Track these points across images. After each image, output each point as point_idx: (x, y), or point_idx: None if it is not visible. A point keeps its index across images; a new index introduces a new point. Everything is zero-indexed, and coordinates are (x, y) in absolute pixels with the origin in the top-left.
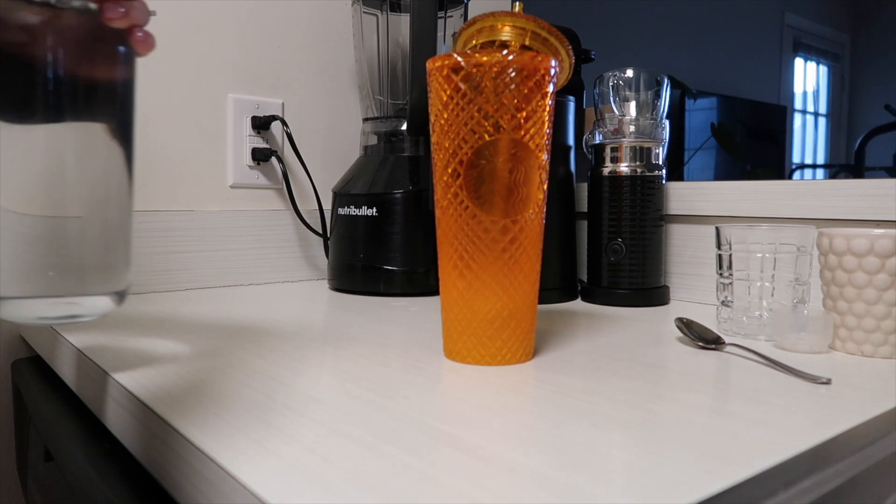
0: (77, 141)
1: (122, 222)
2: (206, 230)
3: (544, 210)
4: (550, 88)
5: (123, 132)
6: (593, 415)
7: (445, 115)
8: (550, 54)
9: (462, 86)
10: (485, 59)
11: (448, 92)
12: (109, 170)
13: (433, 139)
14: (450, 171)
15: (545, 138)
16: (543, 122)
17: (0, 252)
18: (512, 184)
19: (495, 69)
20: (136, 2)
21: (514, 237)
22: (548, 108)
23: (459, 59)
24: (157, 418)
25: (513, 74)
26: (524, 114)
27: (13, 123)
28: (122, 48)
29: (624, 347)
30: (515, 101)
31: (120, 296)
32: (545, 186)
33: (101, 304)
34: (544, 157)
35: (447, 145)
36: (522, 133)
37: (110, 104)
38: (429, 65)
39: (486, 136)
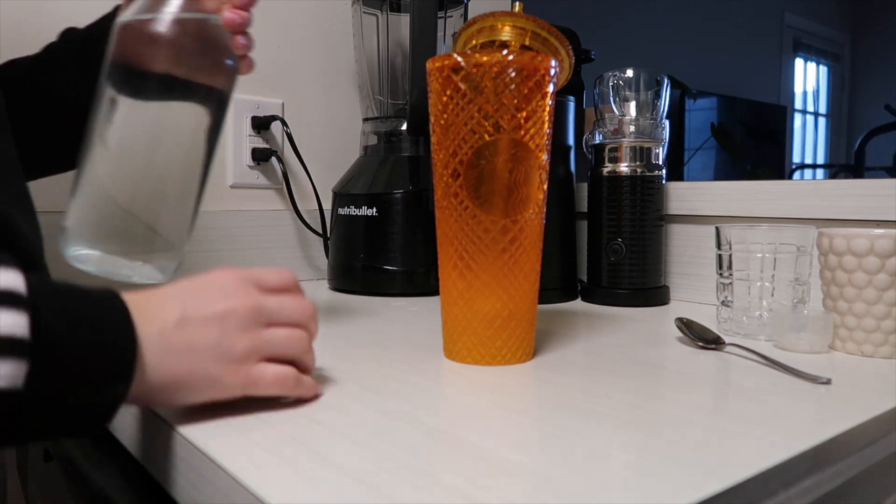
0: (174, 122)
1: (190, 208)
2: (206, 230)
3: (544, 210)
4: (550, 88)
5: (212, 134)
6: (593, 415)
7: (445, 116)
8: (550, 54)
9: (462, 86)
10: (485, 59)
11: (448, 92)
12: (191, 162)
13: (433, 139)
14: (450, 171)
15: (545, 138)
16: (543, 122)
17: (89, 208)
18: (512, 184)
19: (495, 69)
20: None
21: (514, 237)
22: (548, 108)
23: (459, 59)
24: (156, 418)
25: (513, 74)
26: (524, 114)
27: (131, 98)
28: (228, 61)
29: (624, 347)
30: (515, 101)
31: (168, 272)
32: (545, 186)
33: (153, 275)
34: (544, 157)
35: (447, 145)
36: (522, 133)
37: (210, 104)
38: (429, 65)
39: (486, 136)
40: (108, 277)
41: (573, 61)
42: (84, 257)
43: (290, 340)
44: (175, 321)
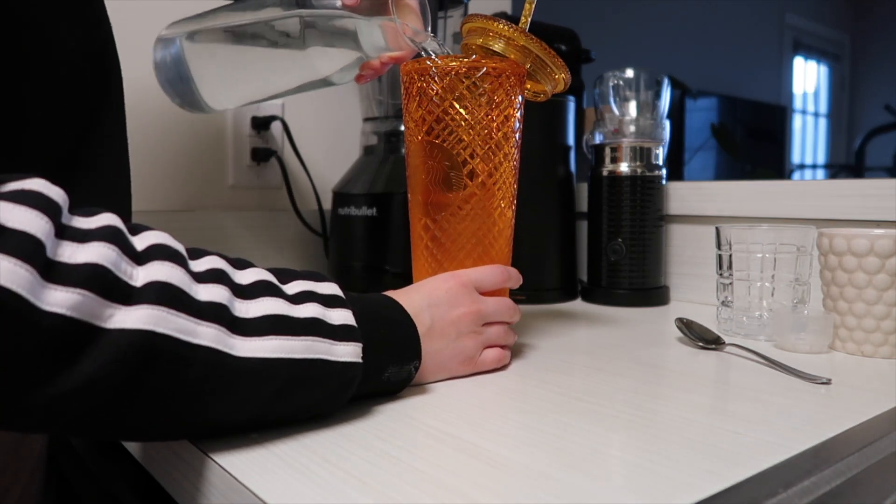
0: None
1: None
2: (206, 230)
3: (476, 211)
4: (474, 92)
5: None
6: (593, 415)
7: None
8: (532, 63)
9: (403, 89)
10: (409, 66)
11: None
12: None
13: None
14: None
15: (472, 143)
16: (469, 126)
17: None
18: (429, 184)
19: (414, 74)
20: None
21: (433, 236)
22: (467, 112)
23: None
24: None
25: (420, 77)
26: (433, 116)
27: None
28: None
29: (624, 347)
30: (427, 102)
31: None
32: (469, 190)
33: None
34: (476, 162)
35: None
36: (434, 136)
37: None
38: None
39: (416, 139)
40: (161, 68)
41: (566, 77)
42: (176, 51)
43: (501, 334)
44: (428, 326)
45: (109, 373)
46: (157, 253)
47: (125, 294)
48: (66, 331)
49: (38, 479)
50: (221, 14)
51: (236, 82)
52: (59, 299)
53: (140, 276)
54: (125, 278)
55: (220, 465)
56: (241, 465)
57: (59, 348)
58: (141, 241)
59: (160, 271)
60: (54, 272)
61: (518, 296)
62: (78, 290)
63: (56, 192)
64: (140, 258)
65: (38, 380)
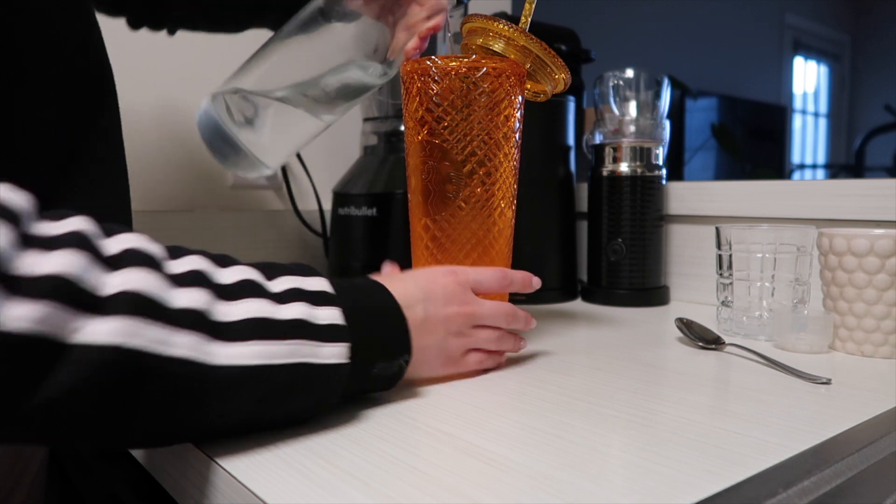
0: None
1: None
2: (206, 230)
3: (477, 217)
4: (477, 94)
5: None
6: (593, 415)
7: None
8: (533, 63)
9: (403, 89)
10: (408, 66)
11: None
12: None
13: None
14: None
15: (474, 144)
16: (471, 127)
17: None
18: (429, 184)
19: (416, 74)
20: None
21: (434, 236)
22: (475, 114)
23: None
24: None
25: (421, 77)
26: (433, 115)
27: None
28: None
29: (624, 347)
30: (426, 103)
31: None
32: (469, 189)
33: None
34: (474, 162)
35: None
36: (434, 136)
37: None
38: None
39: (416, 139)
40: (206, 134)
41: (566, 77)
42: (213, 114)
43: (492, 339)
44: (421, 320)
45: (80, 390)
46: (131, 258)
47: (95, 304)
48: (33, 345)
49: (42, 480)
50: (268, 69)
51: (287, 140)
52: (22, 313)
53: (112, 283)
54: (95, 287)
55: (221, 467)
56: (243, 466)
57: (26, 364)
58: (114, 245)
59: (133, 278)
60: (16, 284)
61: (518, 296)
62: (42, 302)
63: (19, 198)
64: (113, 263)
65: (7, 397)
